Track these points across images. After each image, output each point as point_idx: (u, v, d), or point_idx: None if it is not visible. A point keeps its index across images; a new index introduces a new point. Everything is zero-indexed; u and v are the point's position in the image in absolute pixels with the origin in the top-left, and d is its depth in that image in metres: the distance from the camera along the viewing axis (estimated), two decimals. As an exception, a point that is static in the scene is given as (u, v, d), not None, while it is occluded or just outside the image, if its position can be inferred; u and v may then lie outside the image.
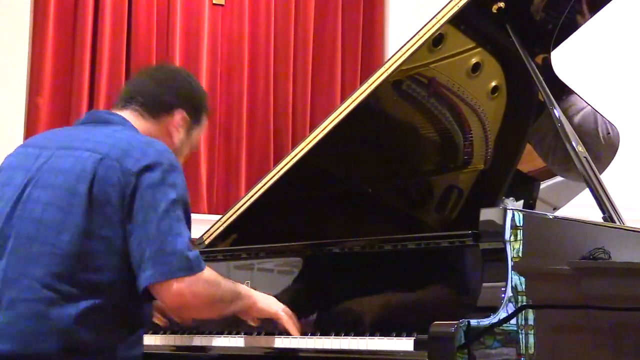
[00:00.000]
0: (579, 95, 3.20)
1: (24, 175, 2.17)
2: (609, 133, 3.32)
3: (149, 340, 2.62)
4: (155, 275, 2.07)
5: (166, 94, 2.34)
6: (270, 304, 2.38)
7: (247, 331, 2.46)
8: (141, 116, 2.31)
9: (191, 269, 2.10)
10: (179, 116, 2.34)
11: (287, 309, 2.39)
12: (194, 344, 2.56)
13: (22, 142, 2.69)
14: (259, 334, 2.44)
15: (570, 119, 2.98)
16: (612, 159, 3.36)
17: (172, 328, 2.62)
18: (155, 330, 2.63)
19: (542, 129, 3.16)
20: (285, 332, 2.37)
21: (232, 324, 2.49)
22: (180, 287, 2.09)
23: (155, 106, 2.32)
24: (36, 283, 2.04)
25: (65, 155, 2.16)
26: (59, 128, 2.46)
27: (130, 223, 2.08)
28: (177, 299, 2.11)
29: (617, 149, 3.36)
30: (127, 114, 2.30)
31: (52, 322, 2.02)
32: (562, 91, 3.13)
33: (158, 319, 2.56)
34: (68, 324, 2.02)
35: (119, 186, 2.09)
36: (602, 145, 3.30)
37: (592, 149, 3.06)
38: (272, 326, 2.42)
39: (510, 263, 2.15)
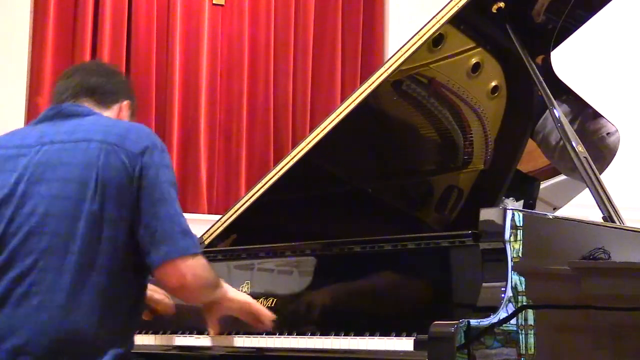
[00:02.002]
0: (579, 95, 3.20)
1: (12, 176, 2.16)
2: (609, 133, 3.32)
3: (148, 340, 2.62)
4: (169, 253, 2.12)
5: (110, 84, 2.37)
6: (238, 294, 2.44)
7: (246, 331, 2.46)
8: (96, 106, 2.33)
9: (197, 248, 2.17)
10: (126, 105, 2.39)
11: (254, 302, 2.45)
12: (193, 344, 2.56)
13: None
14: (259, 334, 2.44)
15: (570, 119, 2.98)
16: (612, 159, 3.35)
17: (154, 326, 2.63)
18: (155, 330, 2.63)
19: (545, 128, 3.16)
20: (255, 326, 2.41)
21: (230, 324, 2.49)
22: (184, 266, 2.14)
23: (105, 97, 2.35)
24: (50, 274, 2.05)
25: (57, 149, 2.17)
26: (20, 128, 2.45)
27: (140, 204, 2.13)
28: (179, 279, 2.15)
29: (617, 149, 3.36)
30: (87, 105, 2.32)
31: (72, 312, 2.03)
32: (562, 91, 3.13)
33: (145, 315, 2.56)
34: (88, 312, 2.04)
35: (124, 169, 2.13)
36: (602, 146, 3.30)
37: (592, 149, 3.06)
38: (237, 326, 2.44)
39: (510, 263, 2.15)
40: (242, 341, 2.46)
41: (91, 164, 2.13)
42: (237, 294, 2.44)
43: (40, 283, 2.05)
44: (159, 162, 2.17)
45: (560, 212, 3.40)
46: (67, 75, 2.38)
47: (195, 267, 2.17)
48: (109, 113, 2.35)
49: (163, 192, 2.15)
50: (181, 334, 2.61)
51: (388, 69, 2.79)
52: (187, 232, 2.16)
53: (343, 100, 2.99)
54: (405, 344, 2.14)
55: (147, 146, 2.17)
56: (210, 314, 2.44)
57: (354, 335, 2.26)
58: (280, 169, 2.90)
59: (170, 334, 2.63)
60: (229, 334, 2.50)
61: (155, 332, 2.66)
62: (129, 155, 2.14)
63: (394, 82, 2.95)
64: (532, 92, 3.01)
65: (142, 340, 2.61)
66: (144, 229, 2.12)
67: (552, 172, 3.32)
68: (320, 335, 2.33)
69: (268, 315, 2.44)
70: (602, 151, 3.29)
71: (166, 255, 2.12)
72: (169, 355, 2.68)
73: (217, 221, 3.02)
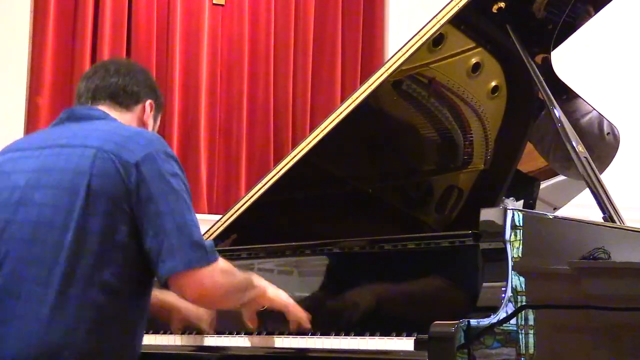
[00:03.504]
0: (579, 95, 3.20)
1: (11, 180, 2.13)
2: (609, 133, 3.32)
3: (150, 340, 2.62)
4: (178, 266, 2.05)
5: (132, 85, 2.31)
6: (279, 294, 2.37)
7: (248, 331, 2.46)
8: (114, 109, 2.28)
9: (209, 258, 2.10)
10: (149, 105, 2.33)
11: (292, 301, 2.38)
12: (195, 344, 2.56)
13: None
14: (259, 334, 2.44)
15: (570, 118, 2.98)
16: (612, 159, 3.36)
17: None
18: (156, 330, 2.63)
19: (542, 128, 3.16)
20: (293, 325, 2.37)
21: (234, 324, 2.49)
22: (200, 277, 2.08)
23: (125, 98, 2.30)
24: (37, 286, 2.00)
25: (57, 154, 2.13)
26: (38, 130, 2.43)
27: (141, 215, 2.06)
28: (198, 289, 2.10)
29: (617, 149, 3.36)
30: (103, 108, 2.27)
31: (56, 324, 1.98)
32: (562, 91, 3.13)
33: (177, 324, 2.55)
34: (72, 326, 1.99)
35: (119, 179, 2.06)
36: (603, 145, 3.31)
37: (592, 149, 3.06)
38: (273, 325, 2.43)
39: (510, 263, 2.15)
40: (242, 341, 2.45)
41: (83, 171, 2.07)
42: (276, 294, 2.36)
43: (28, 294, 2.00)
44: (162, 171, 2.09)
45: (560, 212, 3.40)
46: (88, 76, 2.33)
47: (212, 275, 2.10)
48: (130, 115, 2.29)
49: (168, 202, 2.07)
50: (181, 333, 2.61)
51: (388, 69, 2.79)
52: (196, 243, 2.08)
53: (343, 100, 2.99)
54: (405, 344, 2.14)
55: (146, 155, 2.09)
56: (245, 310, 2.39)
57: (354, 335, 2.26)
58: (280, 169, 2.90)
59: (171, 334, 2.63)
60: (230, 333, 2.50)
61: (165, 332, 2.65)
62: (125, 165, 2.07)
63: (394, 82, 2.95)
64: (532, 92, 3.01)
65: (167, 340, 2.61)
66: (149, 244, 2.06)
67: (552, 172, 3.32)
68: (320, 335, 2.33)
69: (304, 319, 2.37)
70: (602, 151, 3.29)
71: (171, 270, 2.05)
72: (169, 355, 2.68)
73: (217, 221, 3.02)
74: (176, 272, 2.06)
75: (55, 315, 1.98)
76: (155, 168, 2.08)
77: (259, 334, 2.43)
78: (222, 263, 2.15)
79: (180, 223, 2.07)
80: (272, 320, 2.44)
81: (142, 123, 2.32)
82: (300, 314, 2.37)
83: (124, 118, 2.27)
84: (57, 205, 2.06)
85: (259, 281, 2.34)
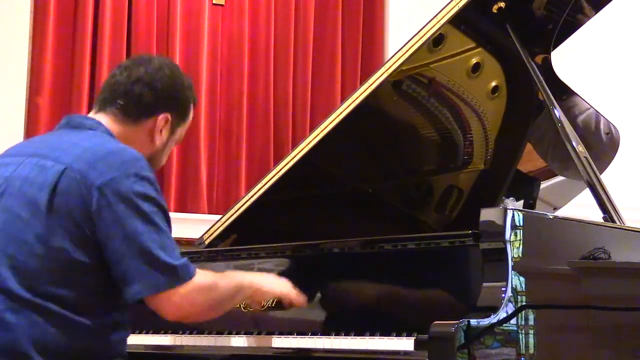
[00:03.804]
0: (579, 95, 3.20)
1: (2, 184, 2.11)
2: (608, 133, 3.32)
3: (148, 340, 2.62)
4: (143, 290, 2.01)
5: (149, 96, 2.21)
6: (273, 286, 2.34)
7: (248, 331, 2.46)
8: (120, 120, 2.20)
9: (181, 278, 2.04)
10: (162, 119, 2.23)
11: (289, 285, 2.37)
12: (195, 343, 2.56)
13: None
14: (259, 333, 2.44)
15: (570, 118, 2.98)
16: (612, 159, 3.36)
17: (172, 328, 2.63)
18: (156, 330, 2.63)
19: (541, 128, 3.16)
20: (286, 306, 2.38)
21: (233, 324, 2.49)
22: (174, 298, 2.04)
23: (136, 110, 2.21)
24: (4, 297, 1.97)
25: (30, 164, 2.09)
26: (42, 135, 2.40)
27: (104, 239, 2.01)
28: (175, 310, 2.07)
29: (617, 149, 3.36)
30: (103, 118, 2.20)
31: (13, 332, 1.95)
32: (562, 91, 3.13)
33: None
34: (30, 335, 1.95)
35: (81, 200, 2.01)
36: (603, 145, 3.30)
37: (593, 149, 3.06)
38: (273, 325, 2.43)
39: (510, 263, 2.15)
40: (242, 341, 2.45)
41: (48, 186, 2.02)
42: (271, 288, 2.32)
43: None
44: (128, 195, 2.01)
45: (560, 212, 3.40)
46: (113, 74, 2.25)
47: (189, 296, 2.05)
48: (136, 128, 2.21)
49: (133, 226, 2.00)
50: (181, 333, 2.61)
51: (388, 69, 2.79)
52: (164, 265, 2.01)
53: (343, 100, 2.99)
54: (405, 343, 2.14)
55: (113, 179, 2.01)
56: (250, 302, 2.38)
57: (354, 335, 2.26)
58: (281, 169, 2.90)
59: (172, 333, 2.63)
60: (229, 334, 2.50)
61: (156, 333, 2.65)
62: (87, 187, 2.01)
63: (394, 82, 2.95)
64: (532, 92, 3.01)
65: (167, 340, 2.61)
66: (113, 269, 2.01)
67: (552, 172, 3.32)
68: (320, 335, 2.33)
69: (300, 302, 2.36)
70: (602, 151, 3.29)
71: (136, 294, 2.01)
72: (169, 355, 2.68)
73: (217, 221, 3.02)
74: (139, 296, 2.02)
75: (20, 325, 1.95)
76: (122, 191, 2.01)
77: (258, 333, 2.43)
78: (200, 279, 2.09)
79: (145, 246, 2.01)
80: (272, 320, 2.44)
81: (151, 137, 2.24)
82: (295, 299, 2.35)
83: (127, 131, 2.20)
84: (19, 217, 2.03)
85: (251, 279, 2.30)
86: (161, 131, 2.24)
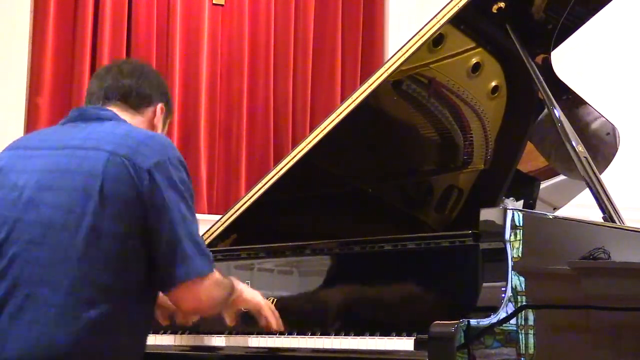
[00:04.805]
0: (578, 95, 3.20)
1: (22, 178, 2.11)
2: (608, 133, 3.32)
3: (150, 340, 2.62)
4: (190, 273, 2.06)
5: (144, 87, 2.29)
6: (254, 296, 2.38)
7: (247, 331, 2.46)
8: (125, 111, 2.26)
9: (211, 266, 2.12)
10: (160, 109, 2.32)
11: (270, 304, 2.40)
12: (193, 343, 2.56)
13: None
14: (258, 334, 2.44)
15: (570, 118, 2.98)
16: (612, 159, 3.36)
17: (172, 328, 2.63)
18: (156, 330, 2.63)
19: (543, 128, 3.16)
20: (263, 330, 2.38)
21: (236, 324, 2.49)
22: (201, 288, 2.09)
23: (137, 100, 2.28)
24: (45, 288, 1.99)
25: (69, 155, 2.11)
26: (45, 128, 2.41)
27: (154, 222, 2.05)
28: (194, 302, 2.12)
29: (617, 149, 3.36)
30: (114, 109, 2.25)
31: (65, 328, 1.97)
32: (562, 91, 3.13)
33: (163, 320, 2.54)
34: (80, 328, 1.97)
35: (131, 183, 2.05)
36: (602, 145, 3.30)
37: (592, 149, 3.06)
38: (249, 326, 2.42)
39: (510, 263, 2.15)
40: (241, 341, 2.45)
41: (96, 174, 2.05)
42: (252, 296, 2.37)
43: (35, 297, 1.98)
44: (174, 179, 2.08)
45: (560, 212, 3.40)
46: (100, 75, 2.31)
47: (210, 288, 2.12)
48: (140, 118, 2.28)
49: (180, 210, 2.07)
50: (181, 333, 2.61)
51: (388, 69, 2.79)
52: (203, 251, 2.10)
53: (343, 100, 2.99)
54: (405, 343, 2.14)
55: (158, 161, 2.08)
56: (225, 311, 2.39)
57: (354, 335, 2.26)
58: (280, 169, 2.90)
59: (171, 334, 2.63)
60: (229, 333, 2.50)
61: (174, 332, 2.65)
62: (137, 170, 2.05)
63: (394, 82, 2.95)
64: (532, 92, 3.01)
65: (167, 340, 2.61)
66: (160, 250, 2.06)
67: (552, 172, 3.32)
68: (320, 335, 2.34)
69: (274, 322, 2.38)
70: (602, 151, 3.29)
71: (184, 277, 2.06)
72: (169, 355, 2.68)
73: (217, 221, 3.02)
74: (186, 279, 2.06)
75: (62, 317, 1.97)
76: (168, 175, 2.08)
77: (258, 333, 2.43)
78: (217, 274, 2.15)
79: (191, 232, 2.08)
80: (250, 319, 2.44)
81: (152, 126, 2.31)
82: (270, 318, 2.37)
83: (134, 120, 2.26)
84: (69, 207, 2.04)
85: (237, 284, 2.34)
86: (160, 120, 2.33)
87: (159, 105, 2.32)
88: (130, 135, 2.13)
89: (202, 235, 3.03)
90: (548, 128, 3.10)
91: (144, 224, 2.05)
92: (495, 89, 3.12)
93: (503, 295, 2.12)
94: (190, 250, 2.06)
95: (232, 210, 2.98)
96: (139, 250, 2.06)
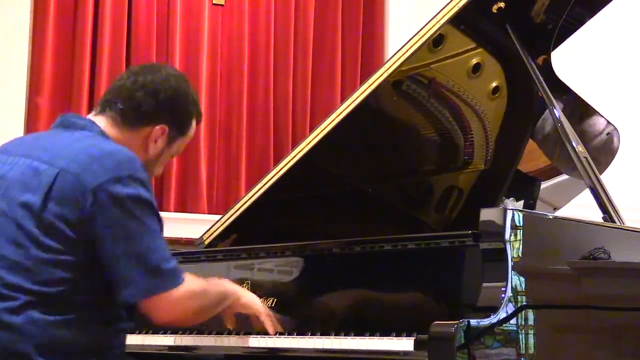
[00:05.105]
0: (579, 95, 3.20)
1: None
2: (608, 133, 3.32)
3: (150, 340, 2.62)
4: (136, 294, 2.02)
5: (149, 104, 2.19)
6: (253, 300, 2.38)
7: (247, 331, 2.46)
8: (116, 124, 2.18)
9: (172, 282, 2.04)
10: (159, 130, 2.21)
11: (268, 310, 2.40)
12: (192, 344, 2.56)
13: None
14: (259, 334, 2.44)
15: (570, 118, 2.98)
16: (612, 159, 3.35)
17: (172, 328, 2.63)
18: (156, 330, 2.63)
19: (545, 128, 3.16)
20: (261, 332, 2.38)
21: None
22: (164, 302, 2.04)
23: (135, 116, 2.19)
24: None
25: (24, 164, 2.09)
26: (34, 133, 2.39)
27: (96, 242, 2.00)
28: (166, 314, 2.08)
29: (617, 149, 3.36)
30: (101, 120, 2.19)
31: (13, 332, 1.95)
32: (562, 91, 3.13)
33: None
34: (30, 335, 1.95)
35: (75, 201, 1.99)
36: (603, 146, 3.30)
37: (592, 149, 3.06)
38: (248, 326, 2.43)
39: (510, 263, 2.15)
40: (241, 341, 2.45)
41: (41, 189, 2.01)
42: (250, 304, 2.36)
43: None
44: (121, 197, 2.00)
45: (560, 212, 3.40)
46: (120, 78, 2.26)
47: (175, 301, 2.05)
48: (131, 135, 2.19)
49: (125, 230, 2.00)
50: (181, 333, 2.61)
51: (388, 69, 2.79)
52: (154, 270, 2.01)
53: (343, 100, 2.99)
54: (405, 344, 2.14)
55: (107, 180, 2.00)
56: (223, 314, 2.38)
57: (354, 335, 2.26)
58: (281, 169, 2.90)
59: (171, 334, 2.63)
60: (229, 334, 2.50)
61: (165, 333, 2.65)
62: (82, 190, 1.99)
63: (394, 83, 2.95)
64: (532, 92, 3.01)
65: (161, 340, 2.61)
66: (105, 272, 2.02)
67: (552, 172, 3.32)
68: (320, 335, 2.33)
69: (272, 329, 2.37)
70: (602, 151, 3.29)
71: (128, 298, 2.02)
72: (167, 356, 2.68)
73: (217, 221, 3.02)
74: (131, 300, 2.03)
75: (8, 329, 1.95)
76: (114, 193, 2.01)
77: (258, 334, 2.43)
78: (190, 284, 2.09)
79: (136, 251, 2.01)
80: (249, 321, 2.44)
81: (144, 145, 2.22)
82: (268, 325, 2.36)
83: (123, 135, 2.19)
84: (14, 220, 2.02)
85: (233, 288, 2.33)
86: (156, 141, 2.22)
87: (159, 127, 2.21)
88: (87, 151, 2.06)
89: (202, 235, 3.04)
90: (550, 128, 3.10)
91: (86, 244, 2.01)
92: (495, 89, 3.12)
93: (503, 295, 2.11)
94: (134, 272, 2.00)
95: (232, 210, 2.98)
96: (77, 264, 2.00)
